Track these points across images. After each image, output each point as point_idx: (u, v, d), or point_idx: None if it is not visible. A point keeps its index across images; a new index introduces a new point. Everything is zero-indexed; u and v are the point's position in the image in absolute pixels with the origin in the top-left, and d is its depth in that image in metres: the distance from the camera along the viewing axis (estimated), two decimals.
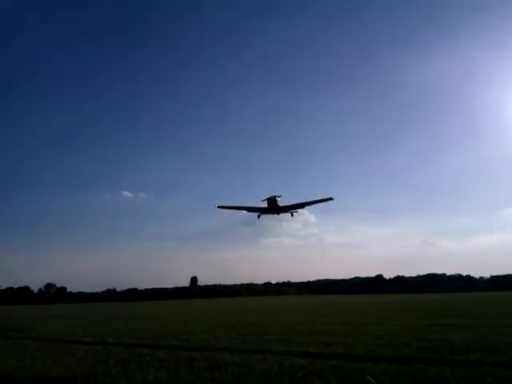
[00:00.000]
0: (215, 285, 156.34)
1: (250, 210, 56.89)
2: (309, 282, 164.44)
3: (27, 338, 18.60)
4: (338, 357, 10.69)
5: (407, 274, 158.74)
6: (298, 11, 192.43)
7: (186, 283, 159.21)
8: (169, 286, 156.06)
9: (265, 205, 54.30)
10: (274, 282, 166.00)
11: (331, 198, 53.57)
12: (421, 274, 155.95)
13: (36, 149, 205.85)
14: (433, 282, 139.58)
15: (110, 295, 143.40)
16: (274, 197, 53.58)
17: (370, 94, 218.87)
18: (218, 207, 58.23)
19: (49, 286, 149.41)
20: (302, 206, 55.65)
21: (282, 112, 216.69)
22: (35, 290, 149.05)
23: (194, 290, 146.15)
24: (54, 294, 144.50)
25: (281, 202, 54.39)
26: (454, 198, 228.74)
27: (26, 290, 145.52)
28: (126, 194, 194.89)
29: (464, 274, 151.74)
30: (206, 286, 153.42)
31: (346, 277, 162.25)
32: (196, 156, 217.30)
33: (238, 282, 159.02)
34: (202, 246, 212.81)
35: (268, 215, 57.86)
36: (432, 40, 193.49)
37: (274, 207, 54.25)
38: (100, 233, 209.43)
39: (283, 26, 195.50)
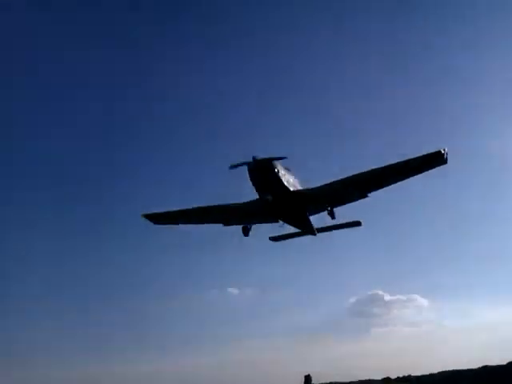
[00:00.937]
0: (331, 383, 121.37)
1: (224, 215, 24.23)
2: (431, 374, 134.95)
3: None
4: None
5: None
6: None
7: (299, 382, 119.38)
8: None
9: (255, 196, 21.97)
10: (393, 376, 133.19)
11: (442, 156, 20.63)
12: None
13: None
14: None
15: None
16: (268, 159, 20.12)
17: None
18: (144, 216, 25.28)
19: None
20: (359, 186, 21.86)
21: None
22: None
23: None
24: None
25: (295, 181, 22.32)
26: None
27: None
28: (232, 290, 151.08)
29: None
30: None
31: (473, 366, 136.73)
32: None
33: (355, 379, 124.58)
34: (312, 341, 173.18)
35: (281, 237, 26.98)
36: None
37: (271, 193, 20.90)
38: (207, 333, 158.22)
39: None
